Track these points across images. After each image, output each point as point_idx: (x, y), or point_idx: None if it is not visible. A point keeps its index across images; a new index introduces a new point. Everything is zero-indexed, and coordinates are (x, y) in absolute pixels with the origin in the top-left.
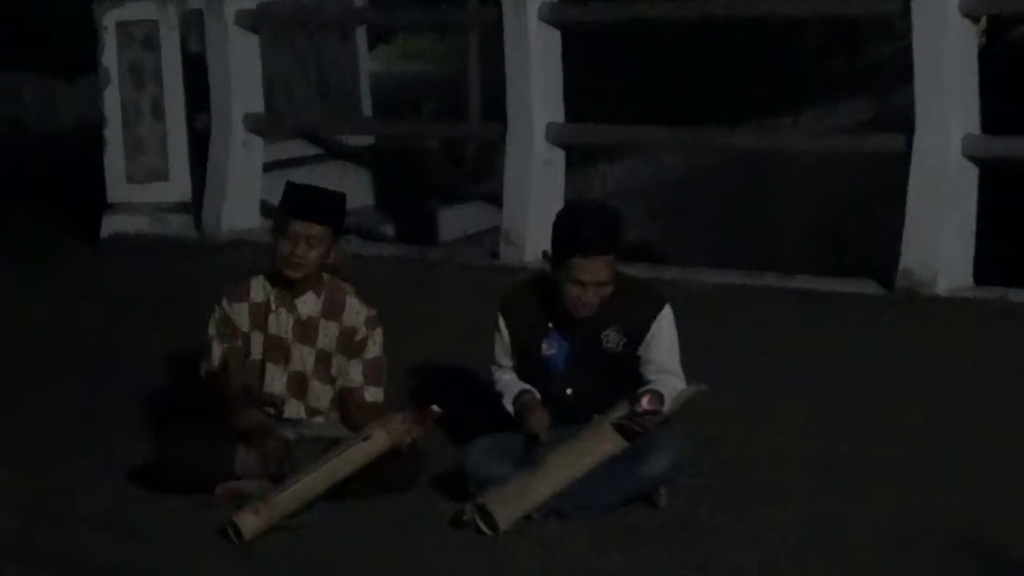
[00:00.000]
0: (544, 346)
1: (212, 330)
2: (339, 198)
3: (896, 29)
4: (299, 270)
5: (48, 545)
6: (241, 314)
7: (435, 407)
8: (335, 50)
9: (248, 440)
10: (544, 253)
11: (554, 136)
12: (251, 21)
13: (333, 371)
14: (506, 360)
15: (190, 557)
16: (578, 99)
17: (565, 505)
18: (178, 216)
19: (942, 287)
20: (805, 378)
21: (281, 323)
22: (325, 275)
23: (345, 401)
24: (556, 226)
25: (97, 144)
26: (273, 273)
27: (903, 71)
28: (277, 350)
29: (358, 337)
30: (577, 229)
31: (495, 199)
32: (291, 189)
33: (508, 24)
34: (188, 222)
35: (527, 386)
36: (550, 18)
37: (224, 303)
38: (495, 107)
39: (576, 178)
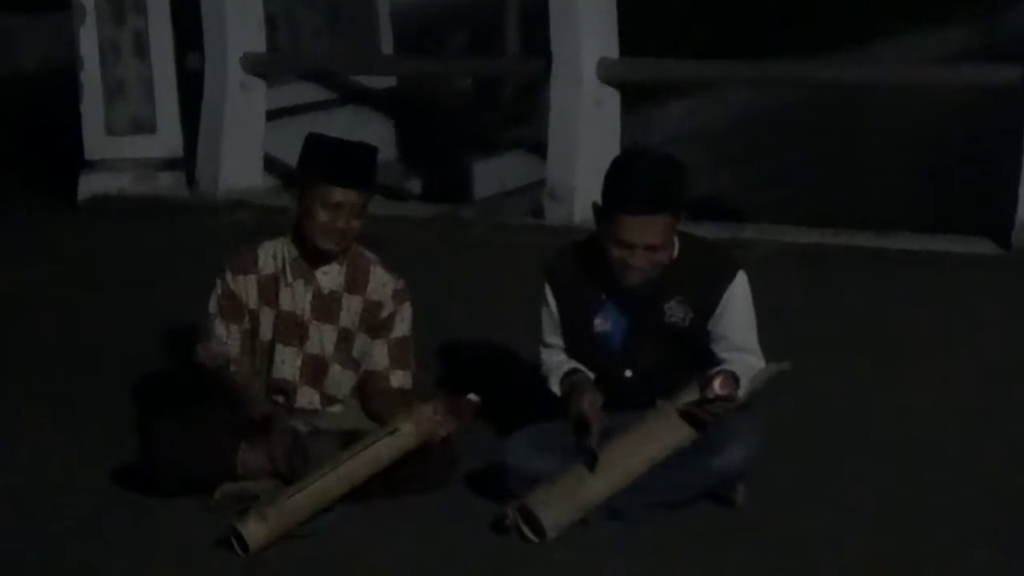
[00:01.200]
0: (598, 321)
1: (212, 307)
2: (375, 154)
3: None
4: (342, 242)
5: (27, 554)
6: (248, 287)
7: (472, 396)
8: None
9: (253, 435)
10: (594, 205)
11: (606, 73)
12: None
13: (355, 353)
14: (556, 339)
15: (185, 570)
16: (633, 28)
17: (623, 505)
18: (167, 173)
19: None
20: (906, 352)
21: (297, 298)
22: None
23: (367, 387)
24: (608, 175)
25: (69, 90)
26: (290, 239)
27: None
28: (291, 329)
29: (384, 313)
30: (626, 181)
31: (537, 148)
32: (325, 146)
33: None
34: (179, 180)
35: (578, 365)
36: None
37: (227, 275)
38: (536, 38)
39: (631, 121)
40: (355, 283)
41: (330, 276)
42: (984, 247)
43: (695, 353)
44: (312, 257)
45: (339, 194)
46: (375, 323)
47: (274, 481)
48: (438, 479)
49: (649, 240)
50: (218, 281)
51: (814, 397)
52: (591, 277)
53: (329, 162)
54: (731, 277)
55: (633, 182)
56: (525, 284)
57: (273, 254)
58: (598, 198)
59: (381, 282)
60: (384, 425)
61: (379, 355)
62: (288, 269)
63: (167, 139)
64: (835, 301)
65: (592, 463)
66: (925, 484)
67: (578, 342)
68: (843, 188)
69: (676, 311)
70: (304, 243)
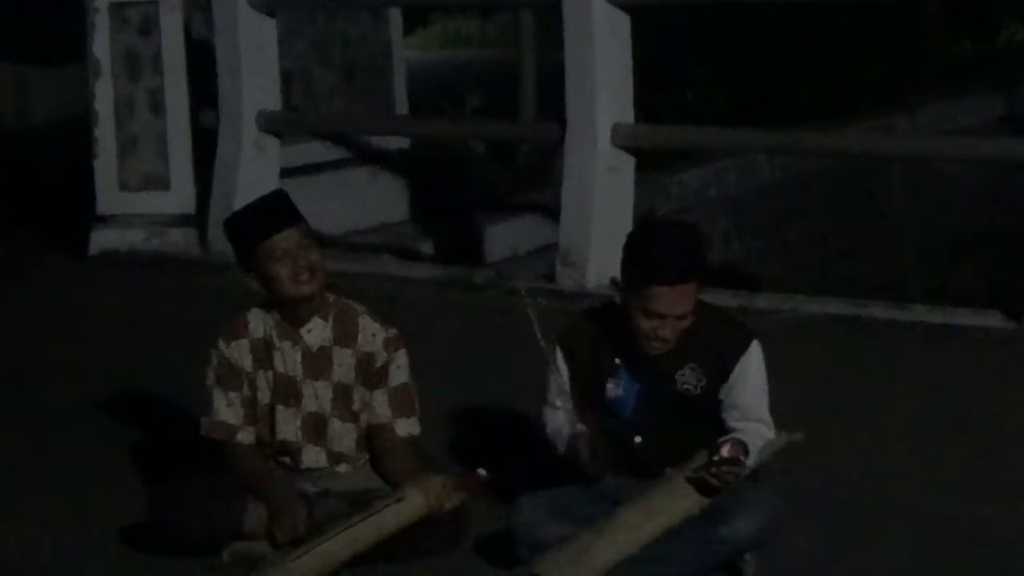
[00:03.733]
0: (610, 386)
1: (211, 378)
2: (286, 193)
3: None
4: (313, 281)
5: None
6: (242, 353)
7: (482, 471)
8: (364, 34)
9: (270, 516)
10: (613, 280)
11: (622, 139)
12: (266, 2)
13: (355, 406)
14: (561, 402)
15: None
16: (651, 92)
17: (632, 573)
18: (179, 230)
19: None
20: (917, 424)
21: (288, 359)
22: (329, 295)
23: (374, 440)
24: (628, 248)
25: (83, 145)
26: (270, 304)
27: None
28: (287, 390)
29: (378, 363)
30: (655, 252)
31: (551, 212)
32: (244, 214)
33: (568, 4)
34: (191, 237)
35: (583, 427)
36: (619, 0)
37: (221, 345)
38: (552, 102)
39: (647, 185)
40: (344, 336)
41: (316, 332)
42: (995, 320)
43: (706, 422)
44: (293, 316)
45: (280, 240)
46: (370, 374)
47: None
48: (447, 543)
49: (680, 310)
50: (213, 352)
51: (827, 467)
52: (604, 342)
53: (255, 222)
54: (745, 347)
55: (661, 253)
56: (537, 348)
57: (261, 318)
58: (611, 264)
59: (371, 332)
60: (394, 490)
61: (380, 406)
62: (274, 334)
63: (180, 196)
64: (847, 371)
65: (601, 529)
66: (939, 554)
67: (589, 407)
68: (861, 255)
69: (689, 379)
70: (281, 308)
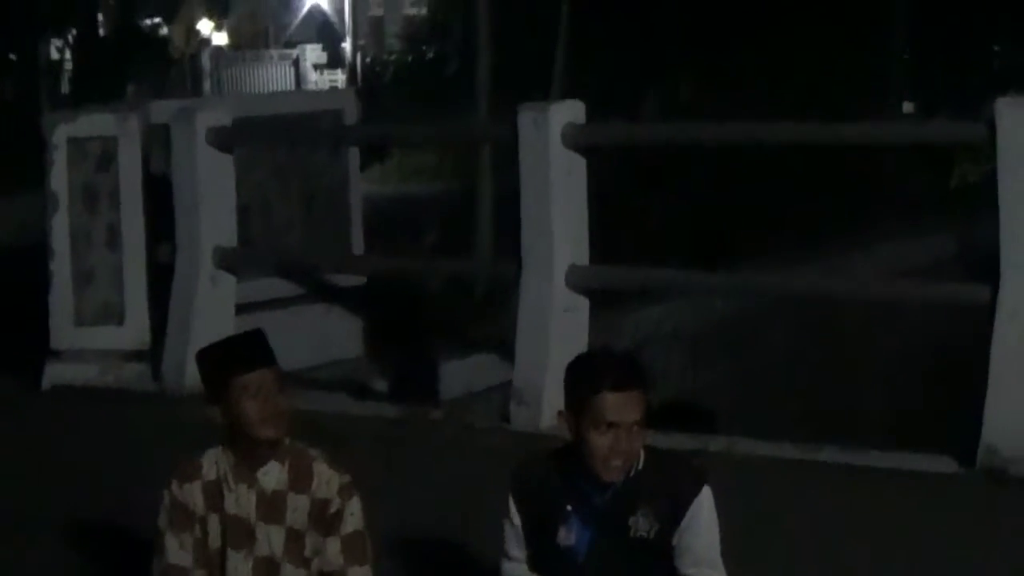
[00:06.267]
0: (561, 533)
1: (162, 521)
2: (263, 333)
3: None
4: (279, 423)
5: None
6: (194, 496)
7: None
8: (322, 166)
9: None
10: (560, 413)
11: (576, 281)
12: (224, 138)
13: (308, 552)
14: (518, 551)
15: None
16: (607, 229)
17: None
18: (134, 365)
19: None
20: (869, 571)
21: (242, 501)
22: (286, 439)
23: None
24: (573, 370)
25: (38, 276)
26: (228, 443)
27: (990, 201)
28: (239, 533)
29: (332, 510)
30: (598, 364)
31: (506, 349)
32: (219, 348)
33: (525, 145)
34: (145, 372)
35: None
36: (575, 142)
37: (173, 486)
38: (509, 234)
39: (602, 323)
40: (299, 481)
41: (272, 476)
42: (948, 465)
43: (660, 568)
44: (251, 457)
45: (254, 378)
46: (324, 520)
47: None
48: None
49: (632, 416)
50: (165, 493)
51: None
52: (556, 488)
53: (231, 356)
54: (697, 490)
55: (604, 362)
56: (492, 489)
57: (216, 460)
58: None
59: (325, 478)
60: None
61: (332, 553)
62: (230, 475)
63: (135, 331)
64: (800, 516)
65: None
66: None
67: (542, 555)
68: (813, 394)
69: (641, 524)
70: (240, 447)
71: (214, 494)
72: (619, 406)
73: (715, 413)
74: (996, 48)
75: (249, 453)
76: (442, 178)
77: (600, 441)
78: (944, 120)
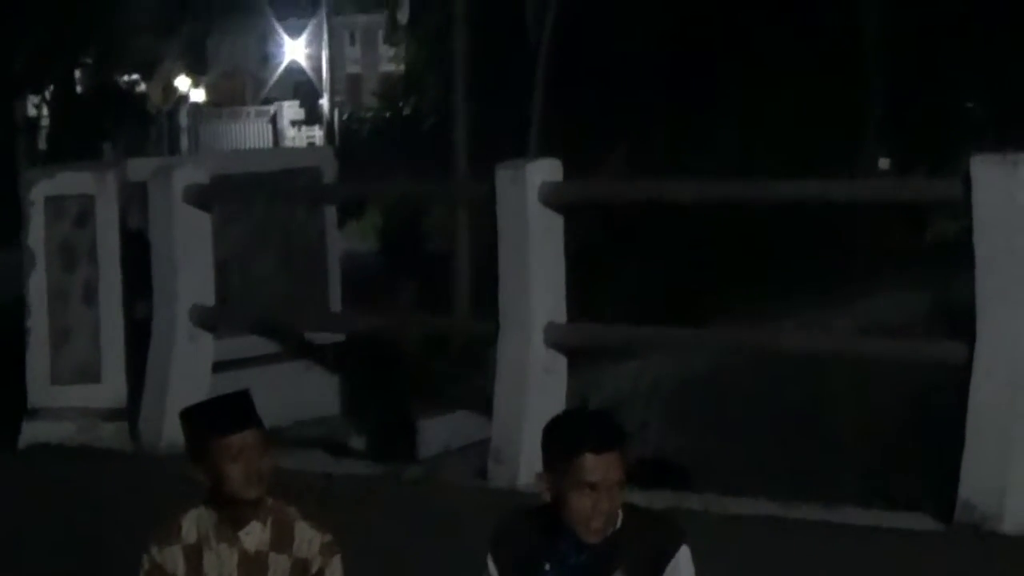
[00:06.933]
0: None
1: None
2: (249, 394)
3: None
4: (262, 485)
5: None
6: (174, 559)
7: None
8: (300, 224)
9: None
10: (538, 476)
11: (555, 339)
12: (202, 196)
13: None
14: None
15: None
16: (585, 287)
17: None
18: (111, 424)
19: (1011, 523)
20: None
21: (223, 562)
22: (267, 498)
23: None
24: (552, 430)
25: (14, 334)
26: (209, 503)
27: (966, 258)
28: None
29: (314, 569)
30: (576, 425)
31: (484, 406)
32: (205, 408)
33: (503, 203)
34: (123, 431)
35: None
36: (553, 200)
37: (152, 549)
38: (487, 291)
39: (580, 379)
40: (280, 541)
41: (254, 536)
42: (926, 522)
43: None
44: (233, 517)
45: (238, 440)
46: None
47: None
48: None
49: (612, 476)
50: (144, 556)
51: None
52: (535, 547)
53: (216, 418)
54: (675, 548)
55: (586, 424)
56: (469, 548)
57: (196, 520)
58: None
59: (307, 538)
60: None
61: None
62: (211, 535)
63: (112, 389)
64: (778, 573)
65: None
66: None
67: None
68: (793, 450)
69: None
70: (222, 506)
71: (194, 557)
72: (600, 468)
73: (692, 469)
74: (969, 104)
75: (231, 513)
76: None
77: (580, 503)
78: (920, 177)
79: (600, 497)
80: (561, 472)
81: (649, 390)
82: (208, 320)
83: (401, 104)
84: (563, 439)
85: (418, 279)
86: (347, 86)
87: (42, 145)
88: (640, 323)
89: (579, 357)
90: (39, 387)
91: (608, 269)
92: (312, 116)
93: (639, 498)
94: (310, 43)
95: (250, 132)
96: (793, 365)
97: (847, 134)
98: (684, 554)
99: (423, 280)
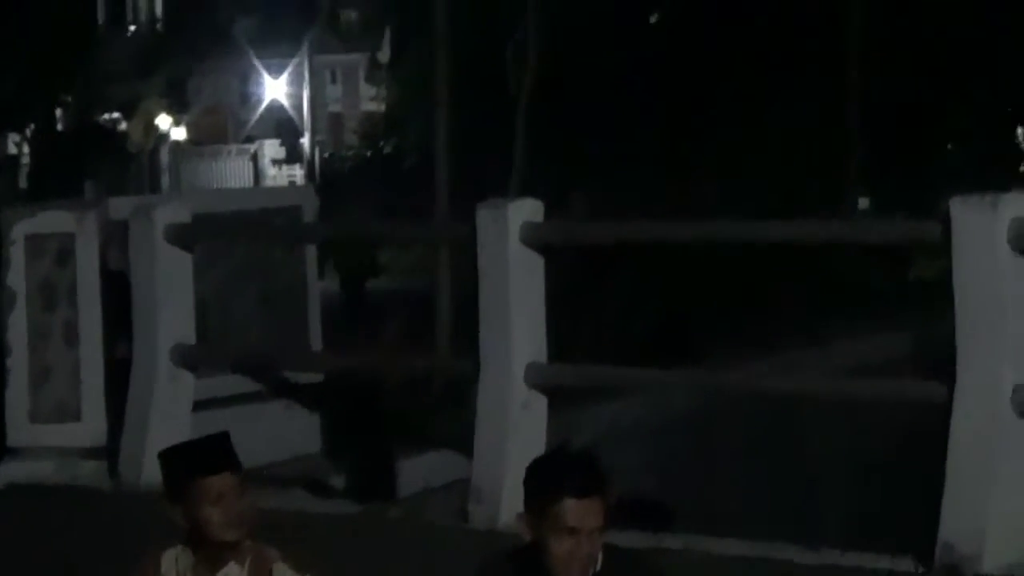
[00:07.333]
0: None
1: None
2: (228, 436)
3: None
4: (241, 527)
5: None
6: None
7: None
8: (280, 263)
9: None
10: (520, 516)
11: (535, 378)
12: (183, 236)
13: None
14: None
15: None
16: (566, 325)
17: None
18: (90, 462)
19: (991, 564)
20: None
21: None
22: (247, 539)
23: None
24: (532, 473)
25: None
26: (188, 543)
27: (946, 299)
28: None
29: None
30: (559, 468)
31: (464, 445)
32: (184, 450)
33: (484, 243)
34: (102, 469)
35: None
36: (534, 240)
37: None
38: (468, 328)
39: (560, 419)
40: None
41: None
42: (907, 564)
43: None
44: (212, 559)
45: (217, 482)
46: None
47: None
48: None
49: (593, 522)
50: None
51: None
52: None
53: (195, 460)
54: None
55: (568, 468)
56: None
57: (174, 561)
58: (522, 502)
59: None
60: None
61: None
62: (189, 575)
63: (92, 427)
64: None
65: None
66: None
67: None
68: (774, 490)
69: None
70: (200, 547)
71: None
72: (580, 513)
73: (673, 509)
74: (949, 146)
75: (209, 553)
76: (402, 274)
77: (560, 547)
78: (900, 219)
79: (580, 542)
80: (542, 515)
81: (630, 429)
82: (188, 359)
83: (382, 143)
84: (544, 483)
85: (374, 315)
86: (328, 125)
87: (23, 183)
88: (621, 363)
89: (560, 396)
90: (19, 426)
91: (590, 309)
92: (293, 155)
93: (619, 539)
94: (291, 82)
95: (231, 170)
96: (775, 404)
97: (828, 174)
98: None
99: (404, 319)
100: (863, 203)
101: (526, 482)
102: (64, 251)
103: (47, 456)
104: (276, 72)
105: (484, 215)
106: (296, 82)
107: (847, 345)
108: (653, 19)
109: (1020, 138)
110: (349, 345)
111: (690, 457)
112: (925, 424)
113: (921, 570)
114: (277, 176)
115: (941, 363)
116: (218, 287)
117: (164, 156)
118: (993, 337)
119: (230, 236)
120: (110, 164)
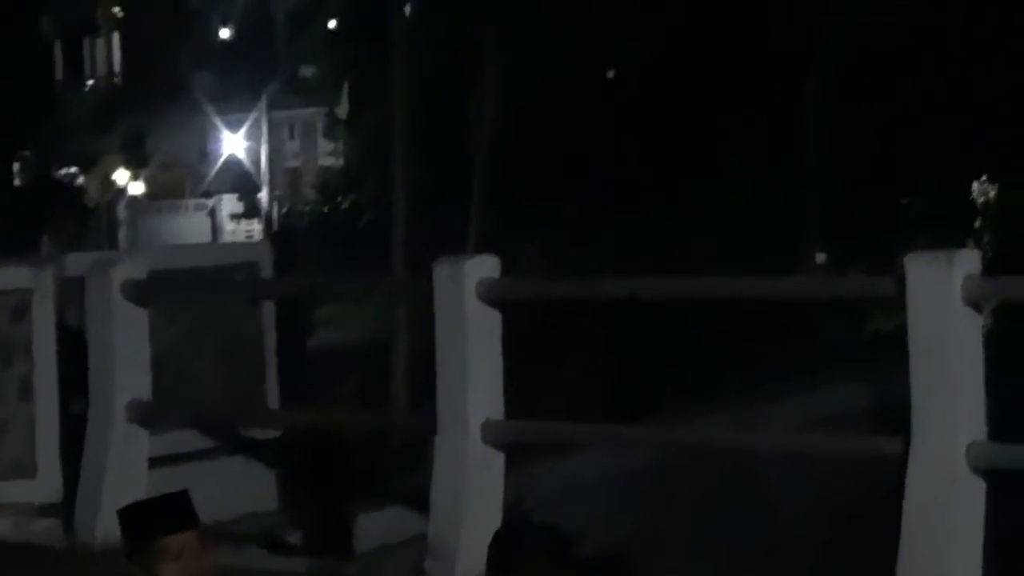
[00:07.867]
0: None
1: None
2: (187, 493)
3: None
4: None
5: None
6: None
7: None
8: (237, 320)
9: None
10: None
11: (492, 436)
12: (140, 292)
13: None
14: None
15: None
16: (525, 380)
17: None
18: (45, 520)
19: None
20: None
21: None
22: None
23: None
24: (496, 546)
25: None
26: None
27: (903, 353)
28: None
29: None
30: (523, 544)
31: (423, 500)
32: (141, 508)
33: (441, 299)
34: (57, 527)
35: None
36: (490, 297)
37: None
38: (426, 383)
39: (518, 476)
40: None
41: None
42: None
43: None
44: None
45: (177, 541)
46: None
47: None
48: None
49: None
50: None
51: None
52: None
53: (155, 519)
54: None
55: (529, 544)
56: None
57: None
58: (480, 558)
59: None
60: None
61: None
62: None
63: (47, 484)
64: None
65: None
66: None
67: None
68: (737, 544)
69: None
70: None
71: None
72: None
73: (635, 566)
74: (904, 201)
75: None
76: (359, 327)
77: None
78: (856, 275)
79: None
80: None
81: (590, 484)
82: (145, 416)
83: (340, 199)
84: (503, 556)
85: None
86: (286, 179)
87: None
88: (579, 417)
89: (518, 453)
90: None
91: (547, 365)
92: (251, 209)
93: None
94: (249, 136)
95: (189, 225)
96: (734, 459)
97: (785, 229)
98: None
99: (360, 374)
100: (820, 257)
101: (489, 552)
102: (21, 307)
103: (3, 513)
104: (234, 127)
105: (441, 272)
106: (254, 137)
107: (804, 400)
108: (610, 75)
109: (975, 193)
110: (306, 399)
111: (651, 511)
112: (886, 477)
113: None
114: (235, 231)
115: (897, 417)
116: (175, 343)
117: (121, 211)
118: (948, 393)
119: (186, 292)
120: (67, 219)
